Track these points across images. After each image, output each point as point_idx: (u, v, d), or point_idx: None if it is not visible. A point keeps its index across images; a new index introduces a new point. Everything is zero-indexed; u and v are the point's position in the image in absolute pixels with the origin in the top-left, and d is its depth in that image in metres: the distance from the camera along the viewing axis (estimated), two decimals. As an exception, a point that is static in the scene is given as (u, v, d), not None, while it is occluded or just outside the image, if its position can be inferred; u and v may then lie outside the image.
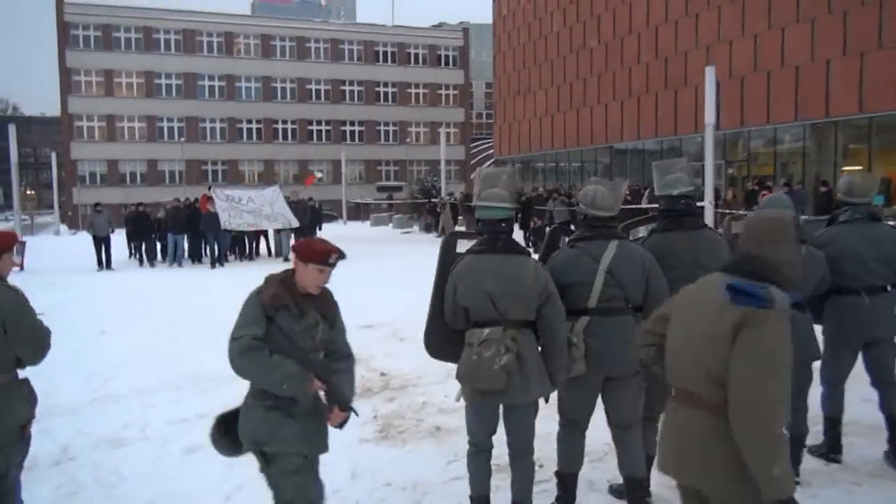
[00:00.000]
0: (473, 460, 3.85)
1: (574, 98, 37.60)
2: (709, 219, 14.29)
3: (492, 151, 51.09)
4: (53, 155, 32.80)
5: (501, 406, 3.74)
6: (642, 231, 4.57)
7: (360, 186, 50.19)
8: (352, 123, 52.78)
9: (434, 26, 66.99)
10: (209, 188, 20.81)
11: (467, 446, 3.90)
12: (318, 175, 22.03)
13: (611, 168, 35.40)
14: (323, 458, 4.94)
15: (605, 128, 35.24)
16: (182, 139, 47.49)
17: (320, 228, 21.85)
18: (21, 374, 3.56)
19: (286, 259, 18.83)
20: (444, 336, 3.90)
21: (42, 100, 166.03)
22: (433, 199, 26.41)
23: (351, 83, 52.70)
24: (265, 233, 19.85)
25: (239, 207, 18.00)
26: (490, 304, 3.61)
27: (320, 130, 51.92)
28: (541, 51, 40.57)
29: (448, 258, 3.94)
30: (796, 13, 24.86)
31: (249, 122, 50.24)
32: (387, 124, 53.85)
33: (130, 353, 8.04)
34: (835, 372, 4.69)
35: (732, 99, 27.24)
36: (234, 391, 6.54)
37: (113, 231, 17.56)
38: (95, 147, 46.65)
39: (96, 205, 18.31)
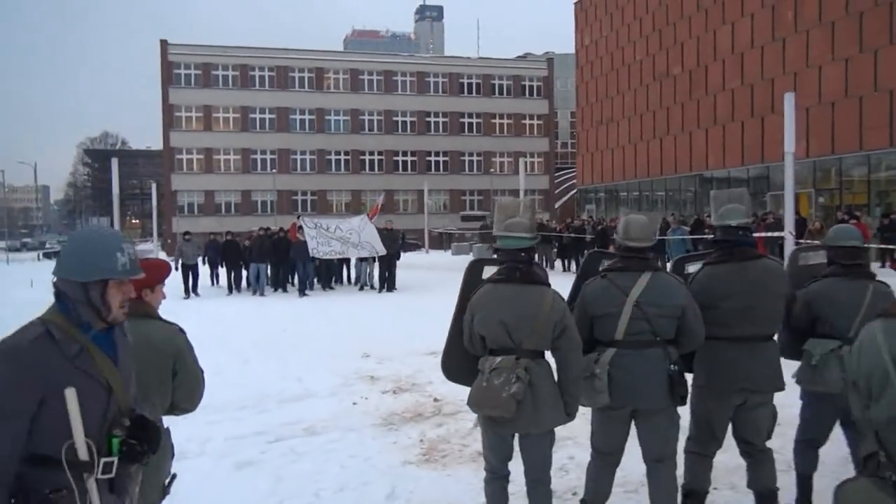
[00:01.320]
0: (489, 487, 3.89)
1: (657, 126, 37.16)
2: (788, 251, 13.88)
3: (576, 181, 50.81)
4: (154, 185, 34.74)
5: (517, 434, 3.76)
6: (692, 267, 4.40)
7: (444, 216, 50.77)
8: (437, 154, 53.63)
9: (519, 57, 67.51)
10: (298, 216, 21.07)
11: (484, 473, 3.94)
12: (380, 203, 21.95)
13: (696, 196, 34.71)
14: (362, 478, 5.19)
15: (689, 156, 34.64)
16: (274, 170, 49.35)
17: (399, 258, 21.29)
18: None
19: (363, 287, 19.05)
20: (461, 360, 3.96)
21: (148, 134, 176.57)
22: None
23: (436, 114, 53.67)
24: (348, 262, 20.10)
25: (327, 235, 18.07)
26: (505, 332, 3.62)
27: (406, 161, 53.00)
28: (624, 80, 40.35)
29: (472, 284, 3.99)
30: (889, 35, 23.94)
31: (338, 153, 51.80)
32: (471, 154, 54.40)
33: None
34: None
35: (823, 125, 26.35)
36: (293, 411, 6.91)
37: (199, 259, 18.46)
38: (194, 178, 49.12)
39: (185, 233, 19.14)
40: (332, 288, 19.41)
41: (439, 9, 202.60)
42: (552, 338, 3.65)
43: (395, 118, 52.80)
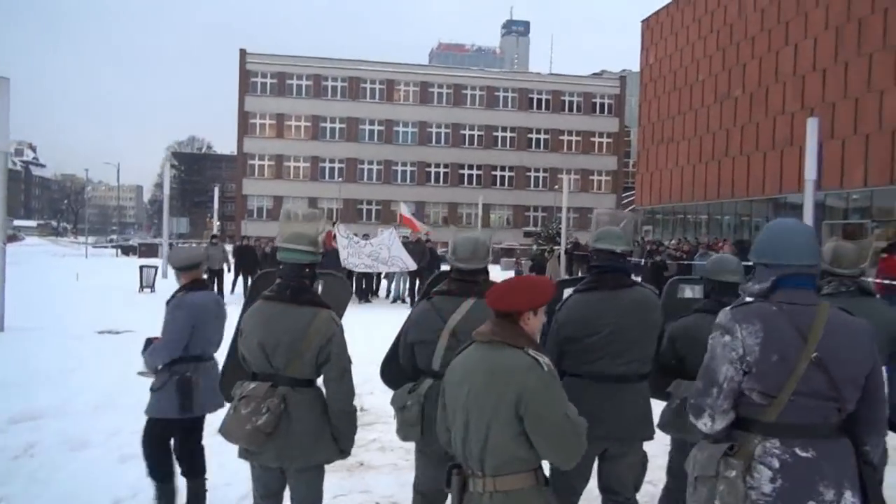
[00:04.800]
0: None
1: (716, 148, 36.22)
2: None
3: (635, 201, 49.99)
4: (216, 189, 36.21)
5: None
6: (568, 292, 3.92)
7: (506, 231, 50.86)
8: (502, 168, 53.73)
9: (594, 74, 66.93)
10: (333, 224, 20.48)
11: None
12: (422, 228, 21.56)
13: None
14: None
15: (746, 180, 33.60)
16: (341, 179, 50.62)
17: (437, 269, 20.36)
18: None
19: (402, 301, 18.43)
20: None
21: (230, 139, 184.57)
22: (542, 246, 26.40)
23: (504, 129, 53.78)
24: (381, 275, 19.62)
25: (358, 248, 17.73)
26: (263, 356, 3.35)
27: (471, 174, 53.30)
28: (686, 99, 39.55)
29: None
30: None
31: (404, 164, 52.63)
32: (537, 170, 54.25)
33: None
34: None
35: (883, 153, 25.25)
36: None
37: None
38: (264, 183, 50.89)
39: (213, 236, 19.06)
40: (368, 301, 18.76)
41: (526, 24, 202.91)
42: (317, 365, 3.35)
43: (462, 131, 53.24)
